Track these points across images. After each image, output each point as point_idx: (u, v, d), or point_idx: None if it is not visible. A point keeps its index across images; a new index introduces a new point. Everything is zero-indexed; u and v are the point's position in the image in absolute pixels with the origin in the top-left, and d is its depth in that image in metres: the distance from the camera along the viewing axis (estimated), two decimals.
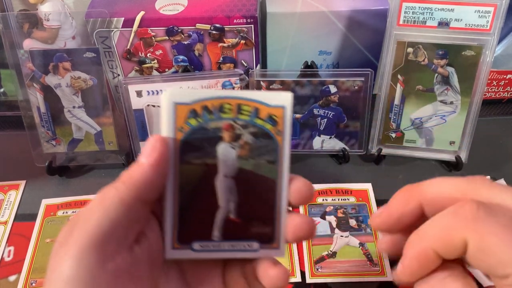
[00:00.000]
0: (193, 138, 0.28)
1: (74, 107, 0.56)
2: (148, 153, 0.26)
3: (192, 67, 0.57)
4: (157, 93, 0.54)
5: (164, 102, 0.27)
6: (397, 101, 0.55)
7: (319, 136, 0.58)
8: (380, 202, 0.53)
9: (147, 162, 0.26)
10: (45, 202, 0.56)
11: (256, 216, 0.29)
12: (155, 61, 0.56)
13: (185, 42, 0.55)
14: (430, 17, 0.50)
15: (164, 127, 0.28)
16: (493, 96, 0.66)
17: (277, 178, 0.28)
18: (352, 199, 0.54)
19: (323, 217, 0.53)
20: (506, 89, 0.65)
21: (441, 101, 0.54)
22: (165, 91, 0.27)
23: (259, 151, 0.29)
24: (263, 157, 0.29)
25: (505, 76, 0.63)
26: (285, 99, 0.28)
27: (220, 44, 0.55)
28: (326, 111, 0.56)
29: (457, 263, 0.24)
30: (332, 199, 0.54)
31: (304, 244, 0.51)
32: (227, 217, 0.29)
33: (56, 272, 0.23)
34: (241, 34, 0.54)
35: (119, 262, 0.25)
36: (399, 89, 0.54)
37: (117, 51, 0.55)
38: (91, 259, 0.23)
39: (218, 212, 0.29)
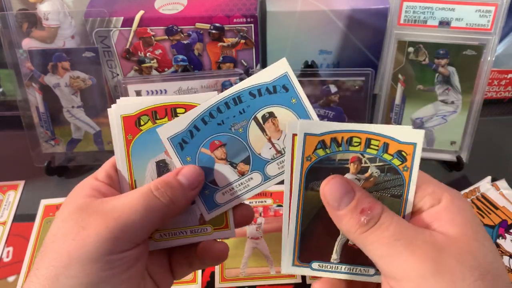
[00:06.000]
0: (319, 167, 0.29)
1: (73, 107, 0.56)
2: (193, 185, 0.31)
3: (192, 66, 0.56)
4: (157, 93, 0.54)
5: (295, 133, 0.29)
6: (397, 100, 0.55)
7: None
8: None
9: (188, 192, 0.31)
10: (44, 202, 0.56)
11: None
12: (155, 60, 0.56)
13: (185, 42, 0.55)
14: (431, 17, 0.50)
15: (294, 155, 0.29)
16: (494, 95, 0.66)
17: (400, 213, 0.29)
18: None
19: None
20: (507, 89, 0.65)
21: (442, 101, 0.54)
22: (298, 123, 0.29)
23: (384, 185, 0.29)
24: (388, 191, 0.29)
25: (506, 76, 0.63)
26: (416, 136, 0.29)
27: (220, 44, 0.55)
28: (327, 111, 0.56)
29: None
30: None
31: None
32: (346, 243, 0.31)
33: (80, 243, 0.27)
34: (241, 33, 0.54)
35: (133, 252, 0.29)
36: (399, 88, 0.54)
37: (116, 50, 0.55)
38: (115, 245, 0.28)
39: (338, 238, 0.31)
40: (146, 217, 0.29)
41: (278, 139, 0.33)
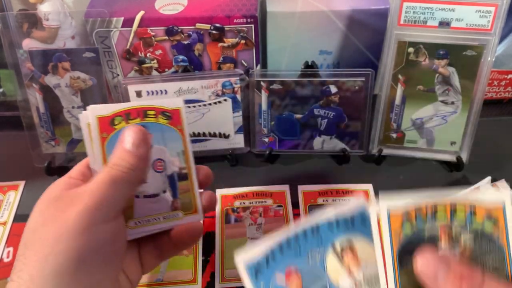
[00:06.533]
0: (410, 242, 0.28)
1: (73, 107, 0.56)
2: (137, 144, 0.33)
3: (192, 67, 0.56)
4: (157, 93, 0.54)
5: (379, 212, 0.29)
6: (397, 101, 0.55)
7: (320, 136, 0.58)
8: None
9: (137, 153, 0.33)
10: None
11: None
12: (155, 61, 0.56)
13: (185, 42, 0.55)
14: (431, 17, 0.50)
15: (382, 235, 0.29)
16: (494, 96, 0.66)
17: (508, 278, 0.27)
18: None
19: None
20: (507, 89, 0.65)
21: (442, 101, 0.54)
22: (380, 200, 0.29)
23: (482, 252, 0.27)
24: (487, 257, 0.27)
25: (506, 76, 0.63)
26: (504, 195, 0.28)
27: (220, 44, 0.55)
28: (327, 111, 0.56)
29: None
30: (333, 200, 0.54)
31: None
32: None
33: (63, 224, 0.29)
34: (241, 34, 0.54)
35: (112, 225, 0.31)
36: (399, 89, 0.54)
37: (116, 51, 0.55)
38: (95, 217, 0.30)
39: None
40: (115, 188, 0.31)
41: (357, 270, 0.31)
